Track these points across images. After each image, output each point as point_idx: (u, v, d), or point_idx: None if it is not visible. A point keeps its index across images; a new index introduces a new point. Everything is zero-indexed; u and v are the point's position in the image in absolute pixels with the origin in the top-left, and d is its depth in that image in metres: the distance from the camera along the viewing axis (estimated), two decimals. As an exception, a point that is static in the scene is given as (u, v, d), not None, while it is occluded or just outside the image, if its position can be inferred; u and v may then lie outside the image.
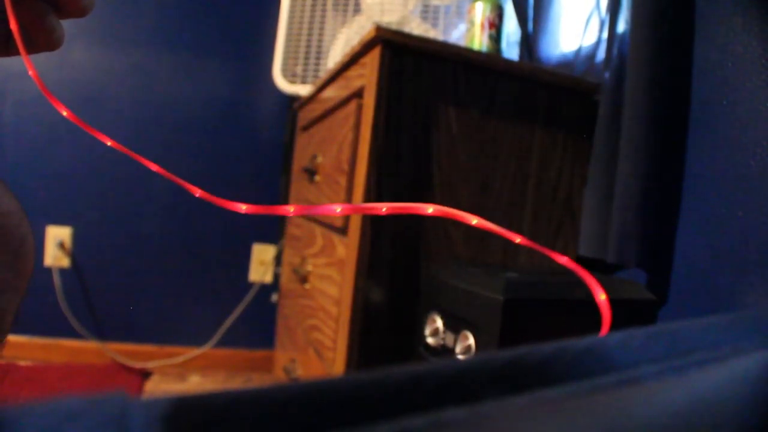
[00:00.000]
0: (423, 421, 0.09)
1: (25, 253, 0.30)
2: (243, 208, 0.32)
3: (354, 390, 0.09)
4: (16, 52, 0.34)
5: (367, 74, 0.84)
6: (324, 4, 1.52)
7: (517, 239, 0.30)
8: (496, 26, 1.01)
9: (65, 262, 1.64)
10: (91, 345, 1.65)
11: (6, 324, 0.29)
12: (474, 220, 0.29)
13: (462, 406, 0.10)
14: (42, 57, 1.61)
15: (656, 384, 0.14)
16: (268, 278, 1.78)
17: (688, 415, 0.15)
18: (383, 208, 0.30)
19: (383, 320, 0.83)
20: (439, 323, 0.71)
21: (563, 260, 0.31)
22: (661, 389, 0.14)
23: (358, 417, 0.09)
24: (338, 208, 0.31)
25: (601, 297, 0.30)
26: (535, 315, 0.63)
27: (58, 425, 0.06)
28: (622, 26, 0.91)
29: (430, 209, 0.29)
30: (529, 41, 1.28)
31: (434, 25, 1.39)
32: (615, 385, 0.13)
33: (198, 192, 0.32)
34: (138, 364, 1.66)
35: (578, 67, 1.12)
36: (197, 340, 1.74)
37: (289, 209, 0.31)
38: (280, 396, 0.09)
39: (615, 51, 0.88)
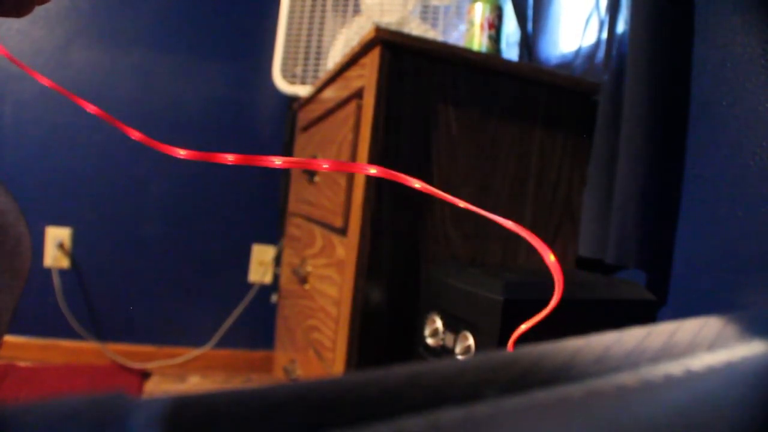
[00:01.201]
0: (420, 422, 0.09)
1: (21, 252, 0.29)
2: (182, 153, 0.32)
3: (352, 390, 0.09)
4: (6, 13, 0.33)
5: (367, 75, 0.84)
6: (324, 5, 1.52)
7: (461, 204, 0.30)
8: (495, 27, 1.02)
9: (65, 262, 1.64)
10: (90, 345, 1.65)
11: (3, 324, 0.29)
12: (417, 184, 0.30)
13: (460, 406, 0.10)
14: (42, 57, 1.61)
15: (655, 384, 0.14)
16: (267, 279, 1.78)
17: (687, 416, 0.15)
18: (324, 165, 0.31)
19: (383, 321, 0.83)
20: (439, 324, 0.71)
21: (509, 224, 0.31)
22: (659, 389, 0.14)
23: (356, 417, 0.09)
24: (278, 161, 0.32)
25: (551, 258, 0.30)
26: (535, 315, 0.63)
27: (59, 425, 0.06)
28: (621, 26, 0.91)
29: (372, 170, 0.30)
30: (528, 41, 1.28)
31: (434, 26, 1.39)
32: (613, 385, 0.13)
33: (135, 134, 0.33)
34: (137, 365, 1.66)
35: (578, 67, 1.12)
36: (197, 341, 1.73)
37: (228, 158, 0.32)
38: (278, 396, 0.09)
39: (614, 51, 0.88)
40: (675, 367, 0.15)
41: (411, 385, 0.10)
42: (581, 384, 0.12)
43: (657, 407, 0.14)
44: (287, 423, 0.08)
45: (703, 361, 0.17)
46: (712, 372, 0.17)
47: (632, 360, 0.15)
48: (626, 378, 0.14)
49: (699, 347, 0.17)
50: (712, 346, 0.17)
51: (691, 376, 0.16)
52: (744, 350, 0.19)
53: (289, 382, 0.09)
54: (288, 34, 1.54)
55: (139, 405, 0.08)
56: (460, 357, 0.65)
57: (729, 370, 0.18)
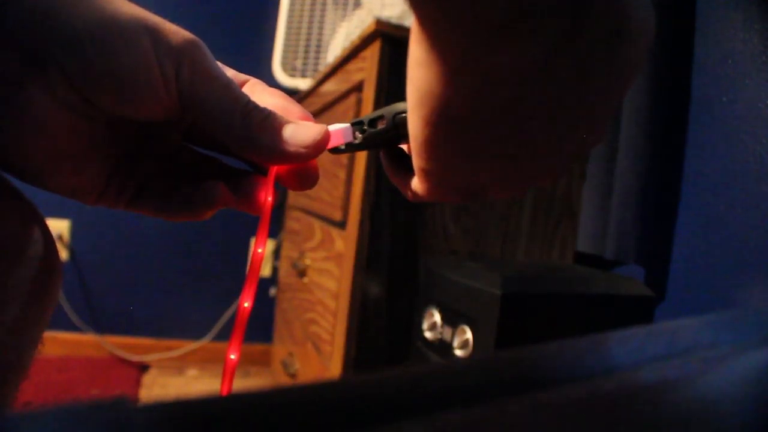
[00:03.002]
0: (421, 426, 0.09)
1: (55, 290, 0.26)
2: None
3: (353, 393, 0.09)
4: (145, 208, 0.29)
5: (367, 68, 0.84)
6: (323, -3, 1.51)
7: None
8: (496, 21, 1.01)
9: (63, 255, 1.64)
10: (89, 338, 1.65)
11: (29, 360, 0.25)
12: None
13: (461, 409, 0.10)
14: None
15: (656, 384, 0.14)
16: (266, 272, 1.78)
17: (689, 415, 0.15)
18: None
19: (381, 314, 0.83)
20: (437, 317, 0.71)
21: None
22: (661, 389, 0.14)
23: (357, 421, 0.09)
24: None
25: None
26: (533, 310, 0.63)
27: (60, 431, 0.06)
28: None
29: None
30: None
31: (434, 19, 1.39)
32: (615, 386, 0.13)
33: None
34: (136, 358, 1.66)
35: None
36: (195, 334, 1.74)
37: None
38: (279, 399, 0.09)
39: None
40: (676, 367, 0.15)
41: (413, 388, 0.10)
42: (582, 386, 0.12)
43: (659, 407, 0.14)
44: (287, 427, 0.08)
45: (703, 360, 0.17)
46: (712, 371, 0.17)
47: (633, 359, 0.15)
48: (628, 378, 0.14)
49: (700, 346, 0.17)
50: (713, 346, 0.17)
51: (691, 376, 0.16)
52: (744, 349, 0.19)
53: (289, 385, 0.09)
54: (288, 27, 1.53)
55: (141, 410, 0.07)
56: (458, 351, 0.65)
57: (729, 369, 0.18)
